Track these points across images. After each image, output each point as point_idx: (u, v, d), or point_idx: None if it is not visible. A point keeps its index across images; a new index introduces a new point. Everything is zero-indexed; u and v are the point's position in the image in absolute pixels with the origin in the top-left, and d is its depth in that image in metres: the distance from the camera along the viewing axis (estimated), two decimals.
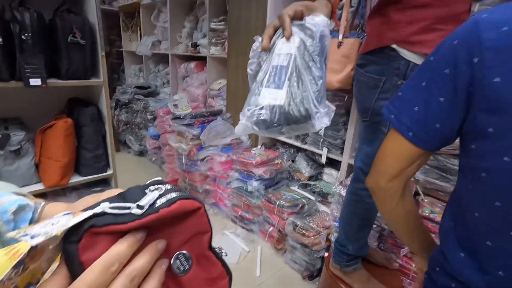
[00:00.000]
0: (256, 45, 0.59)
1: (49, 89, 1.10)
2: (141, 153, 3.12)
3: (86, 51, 1.19)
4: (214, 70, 2.50)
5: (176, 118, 2.13)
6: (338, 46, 1.19)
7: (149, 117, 2.79)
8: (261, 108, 0.52)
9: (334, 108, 0.51)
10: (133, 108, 3.00)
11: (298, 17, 0.55)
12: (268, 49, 0.56)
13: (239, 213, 1.91)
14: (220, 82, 2.44)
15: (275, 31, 0.56)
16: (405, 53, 0.76)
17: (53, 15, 1.18)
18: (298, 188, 1.87)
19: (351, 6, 1.38)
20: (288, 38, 0.53)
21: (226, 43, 2.23)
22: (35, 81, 1.06)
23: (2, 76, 1.02)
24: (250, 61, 0.58)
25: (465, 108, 0.41)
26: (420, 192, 1.28)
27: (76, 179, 1.32)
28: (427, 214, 1.17)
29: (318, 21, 0.52)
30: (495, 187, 0.39)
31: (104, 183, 1.45)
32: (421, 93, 0.45)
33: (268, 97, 0.52)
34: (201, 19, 2.58)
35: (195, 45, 2.57)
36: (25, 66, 1.03)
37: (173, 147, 2.20)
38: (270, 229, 1.74)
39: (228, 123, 2.20)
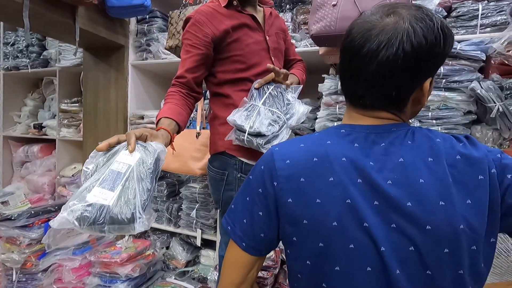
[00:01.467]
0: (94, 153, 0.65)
1: None
2: None
3: None
4: (66, 154, 2.16)
5: (5, 219, 1.63)
6: (197, 137, 1.29)
7: None
8: (89, 205, 0.55)
9: (154, 216, 0.62)
10: None
11: (143, 139, 0.66)
12: (102, 151, 0.63)
13: None
14: (75, 167, 2.12)
15: (118, 142, 0.64)
16: (234, 156, 0.95)
17: None
18: (175, 278, 1.70)
19: (206, 98, 1.56)
20: (131, 151, 0.61)
21: (81, 125, 2.02)
22: None
23: None
24: (88, 160, 0.62)
25: (277, 219, 0.50)
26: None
27: None
28: None
29: (157, 146, 0.64)
30: (309, 285, 0.48)
31: None
32: (247, 207, 0.53)
33: (99, 196, 0.57)
34: (49, 98, 2.29)
35: (40, 126, 2.20)
36: None
37: None
38: None
39: None
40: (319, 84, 1.34)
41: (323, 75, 1.35)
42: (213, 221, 1.63)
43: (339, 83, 1.28)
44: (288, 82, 0.95)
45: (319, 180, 0.46)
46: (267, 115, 0.87)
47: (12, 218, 1.62)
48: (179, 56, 1.57)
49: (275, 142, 0.85)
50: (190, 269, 1.73)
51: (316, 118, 1.37)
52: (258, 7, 1.02)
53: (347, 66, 0.49)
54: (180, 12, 1.41)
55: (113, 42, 1.75)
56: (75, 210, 0.55)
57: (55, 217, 1.70)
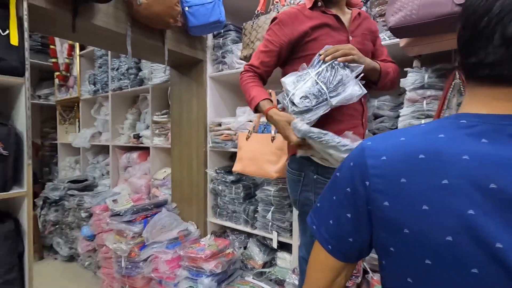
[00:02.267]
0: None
1: None
2: (72, 258, 2.69)
3: (8, 162, 1.10)
4: (157, 160, 2.48)
5: (115, 215, 1.95)
6: (272, 140, 1.32)
7: (83, 215, 2.51)
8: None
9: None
10: (65, 205, 2.69)
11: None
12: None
13: None
14: (165, 171, 2.41)
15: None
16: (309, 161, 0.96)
17: None
18: (253, 278, 1.76)
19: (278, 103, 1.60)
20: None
21: (169, 134, 2.29)
22: None
23: None
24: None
25: (369, 224, 0.44)
26: (369, 270, 1.31)
27: None
28: None
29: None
30: None
31: None
32: (333, 206, 0.48)
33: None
34: (144, 112, 2.66)
35: (138, 136, 2.58)
36: None
37: (111, 248, 1.96)
38: None
39: (174, 214, 2.09)
40: (401, 79, 1.22)
41: (405, 69, 1.23)
42: (288, 224, 1.64)
43: (426, 76, 1.16)
44: (344, 58, 0.88)
45: (426, 182, 0.38)
46: (310, 87, 0.85)
47: (120, 214, 1.93)
48: None
49: (308, 115, 0.84)
50: (267, 270, 1.77)
51: (398, 116, 1.25)
52: (346, 9, 1.03)
53: (472, 29, 0.38)
54: (253, 23, 1.48)
55: (194, 58, 1.94)
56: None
57: (152, 215, 1.94)
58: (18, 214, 1.20)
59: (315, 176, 0.94)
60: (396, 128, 1.31)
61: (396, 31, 1.08)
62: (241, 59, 1.57)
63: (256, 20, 1.48)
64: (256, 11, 1.52)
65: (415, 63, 1.25)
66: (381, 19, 1.47)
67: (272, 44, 0.99)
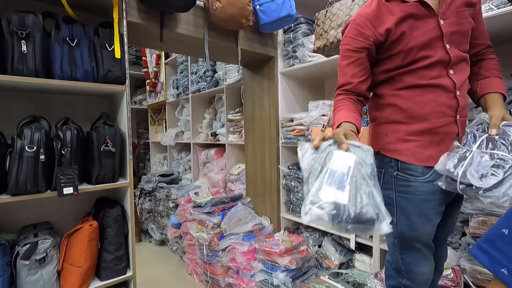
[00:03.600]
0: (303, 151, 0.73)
1: (79, 194, 1.17)
2: (162, 242, 3.06)
3: (116, 157, 1.30)
4: (232, 156, 2.61)
5: (197, 206, 2.14)
6: None
7: (171, 205, 2.82)
8: (331, 204, 0.59)
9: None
10: (156, 196, 3.08)
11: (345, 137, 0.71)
12: (316, 148, 0.70)
13: None
14: (239, 167, 2.52)
15: (324, 139, 0.70)
16: (388, 157, 0.90)
17: (90, 128, 1.34)
18: (329, 278, 1.70)
19: None
20: (345, 150, 0.67)
21: (242, 131, 2.38)
22: (68, 190, 1.14)
23: (39, 188, 1.11)
24: (301, 159, 0.70)
25: None
26: (471, 284, 1.12)
27: (95, 284, 1.28)
28: None
29: (368, 147, 0.67)
30: None
31: (123, 286, 1.39)
32: None
33: (332, 195, 0.61)
34: (219, 111, 2.84)
35: (214, 134, 2.76)
36: (61, 177, 1.13)
37: (194, 236, 2.15)
38: None
39: (248, 208, 2.17)
40: None
41: None
42: None
43: None
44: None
45: None
46: (483, 162, 0.70)
47: (202, 206, 2.10)
48: (327, 56, 1.57)
49: (503, 189, 0.67)
50: (344, 271, 1.68)
51: (510, 102, 1.02)
52: None
53: None
54: (327, 11, 1.41)
55: (265, 55, 1.97)
56: (322, 208, 0.60)
57: (229, 208, 2.04)
58: (123, 202, 1.42)
59: (395, 173, 0.88)
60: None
61: None
62: (314, 51, 1.52)
63: (330, 8, 1.41)
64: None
65: None
66: None
67: (356, 52, 0.87)
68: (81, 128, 1.27)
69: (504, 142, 0.70)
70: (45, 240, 1.18)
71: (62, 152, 1.15)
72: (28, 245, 1.13)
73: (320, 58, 1.70)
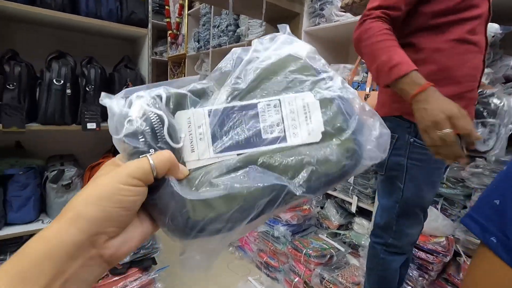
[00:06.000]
0: None
1: (101, 131, 1.25)
2: None
3: None
4: None
5: None
6: (365, 98, 1.23)
7: None
8: None
9: None
10: None
11: None
12: None
13: (264, 259, 1.86)
14: None
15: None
16: (408, 122, 0.83)
17: (113, 70, 1.39)
18: (327, 236, 1.80)
19: None
20: None
21: None
22: (91, 125, 1.23)
23: (66, 120, 1.20)
24: None
25: None
26: (461, 253, 1.16)
27: None
28: None
29: None
30: None
31: None
32: None
33: None
34: None
35: None
36: (85, 112, 1.20)
37: None
38: (296, 280, 1.65)
39: None
40: None
41: None
42: (371, 191, 1.57)
43: None
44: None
45: None
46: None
47: None
48: (354, 15, 1.50)
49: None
50: (342, 232, 1.77)
51: None
52: None
53: None
54: None
55: (290, 11, 1.89)
56: None
57: None
58: None
59: (411, 139, 0.84)
60: None
61: None
62: (341, 7, 1.45)
63: None
64: None
65: None
66: None
67: None
68: (104, 69, 1.31)
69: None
70: (71, 169, 1.30)
71: (87, 89, 1.22)
72: (56, 171, 1.25)
73: (347, 18, 1.62)
